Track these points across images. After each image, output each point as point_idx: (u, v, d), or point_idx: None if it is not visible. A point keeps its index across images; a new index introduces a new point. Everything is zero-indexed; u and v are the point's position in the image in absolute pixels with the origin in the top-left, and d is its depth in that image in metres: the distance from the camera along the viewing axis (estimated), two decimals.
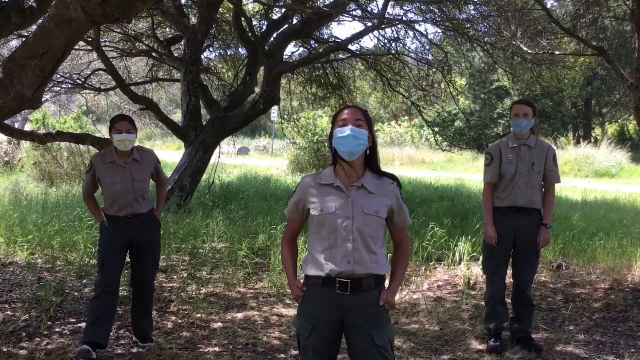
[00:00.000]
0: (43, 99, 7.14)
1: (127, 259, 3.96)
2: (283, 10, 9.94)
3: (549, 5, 10.44)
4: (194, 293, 4.98)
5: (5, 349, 3.71)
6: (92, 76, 11.18)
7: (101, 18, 3.21)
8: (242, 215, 8.06)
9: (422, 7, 9.99)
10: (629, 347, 4.07)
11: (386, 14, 9.11)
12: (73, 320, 4.32)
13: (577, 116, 27.91)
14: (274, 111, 19.17)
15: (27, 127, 16.88)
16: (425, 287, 5.39)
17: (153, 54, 10.72)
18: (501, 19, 8.86)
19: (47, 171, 12.45)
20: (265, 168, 17.44)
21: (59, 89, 11.89)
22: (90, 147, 8.38)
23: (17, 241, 6.15)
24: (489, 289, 4.12)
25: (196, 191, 9.26)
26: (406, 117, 31.77)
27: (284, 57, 10.12)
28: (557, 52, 8.83)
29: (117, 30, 10.26)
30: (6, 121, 4.22)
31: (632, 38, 8.44)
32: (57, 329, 4.11)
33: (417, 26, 13.18)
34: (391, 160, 22.36)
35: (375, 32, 10.48)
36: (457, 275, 5.69)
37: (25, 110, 8.32)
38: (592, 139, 25.70)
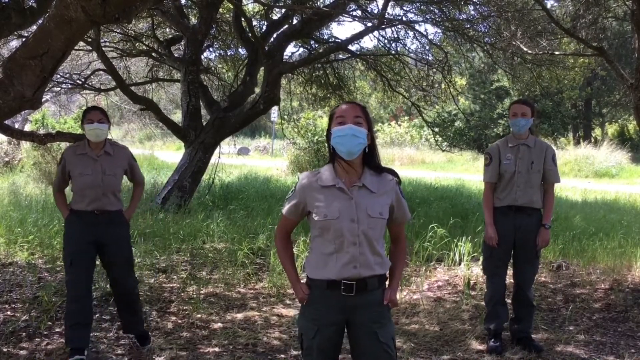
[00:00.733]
0: (43, 99, 7.14)
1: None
2: (283, 10, 9.94)
3: (549, 6, 10.44)
4: (194, 293, 4.97)
5: (5, 350, 3.71)
6: (92, 76, 11.16)
7: (101, 18, 3.20)
8: (242, 216, 8.06)
9: (422, 7, 10.00)
10: (629, 348, 4.07)
11: (386, 14, 9.10)
12: None
13: (577, 116, 27.92)
14: (274, 111, 19.20)
15: (27, 128, 16.87)
16: (426, 288, 5.39)
17: (153, 54, 10.72)
18: (501, 20, 8.87)
19: (47, 171, 12.42)
20: (265, 168, 17.42)
21: (59, 89, 11.86)
22: None
23: (17, 241, 6.15)
24: (489, 289, 4.12)
25: (196, 191, 9.27)
26: (406, 118, 31.82)
27: (284, 57, 10.12)
28: (557, 53, 8.82)
29: (117, 31, 10.25)
30: (6, 121, 4.21)
31: (632, 38, 8.45)
32: (57, 330, 4.10)
33: (417, 26, 13.23)
34: (391, 160, 22.37)
35: (376, 33, 10.50)
36: (457, 276, 5.68)
37: (25, 111, 8.31)
38: (592, 140, 25.73)
